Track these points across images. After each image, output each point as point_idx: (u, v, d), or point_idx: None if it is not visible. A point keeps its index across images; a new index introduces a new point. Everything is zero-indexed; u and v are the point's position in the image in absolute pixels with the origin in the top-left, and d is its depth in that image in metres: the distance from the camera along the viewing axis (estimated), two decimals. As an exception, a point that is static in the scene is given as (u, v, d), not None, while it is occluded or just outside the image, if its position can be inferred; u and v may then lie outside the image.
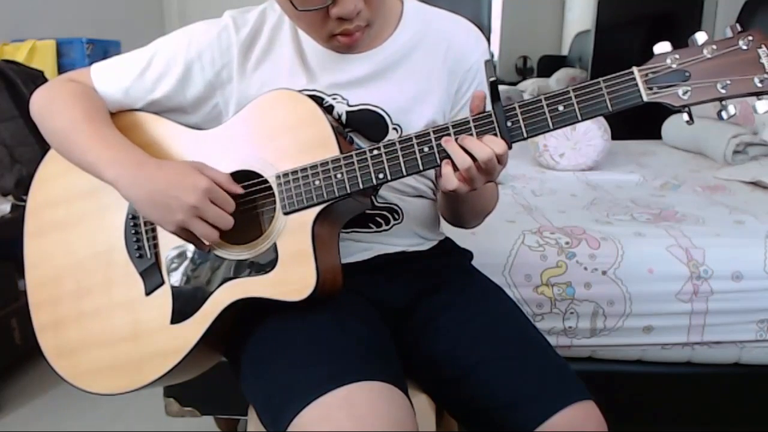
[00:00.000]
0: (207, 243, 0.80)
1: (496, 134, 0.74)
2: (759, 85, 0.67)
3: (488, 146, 0.72)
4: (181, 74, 0.88)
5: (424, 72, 0.90)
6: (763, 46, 0.67)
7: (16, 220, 1.74)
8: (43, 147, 0.93)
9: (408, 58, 0.90)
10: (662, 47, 0.70)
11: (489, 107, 0.75)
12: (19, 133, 1.98)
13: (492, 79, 0.73)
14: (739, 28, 0.69)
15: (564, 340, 1.36)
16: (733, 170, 2.12)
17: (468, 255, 1.05)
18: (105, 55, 2.49)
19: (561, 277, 1.33)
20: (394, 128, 0.89)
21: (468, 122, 0.75)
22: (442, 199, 0.95)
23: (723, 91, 0.68)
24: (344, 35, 0.81)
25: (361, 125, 0.89)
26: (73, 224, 0.93)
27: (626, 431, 1.24)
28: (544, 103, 0.72)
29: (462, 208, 0.94)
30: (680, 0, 3.87)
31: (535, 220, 1.53)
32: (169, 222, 0.79)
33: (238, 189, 0.82)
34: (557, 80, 4.62)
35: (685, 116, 0.71)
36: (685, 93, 0.69)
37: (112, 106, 0.91)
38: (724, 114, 0.70)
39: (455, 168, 0.74)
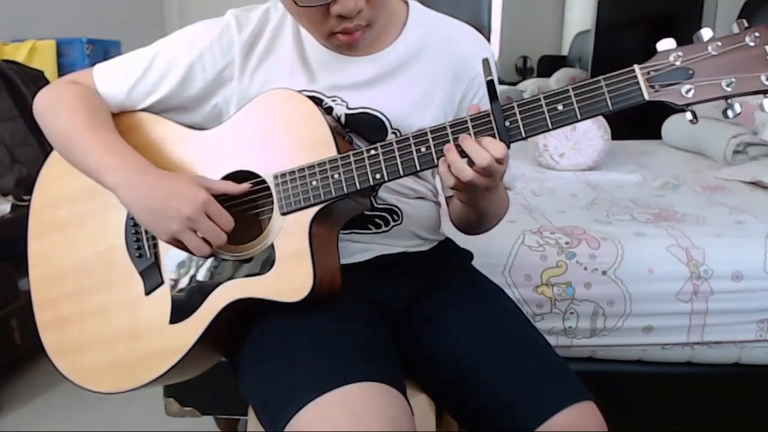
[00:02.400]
0: (198, 255, 0.80)
1: (494, 135, 0.73)
2: (766, 83, 0.65)
3: (487, 151, 0.71)
4: (182, 74, 0.88)
5: (427, 78, 0.90)
6: None
7: (16, 220, 1.75)
8: (44, 147, 0.93)
9: (411, 64, 0.89)
10: (666, 44, 0.68)
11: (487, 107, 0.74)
12: (19, 133, 1.98)
13: (489, 78, 0.73)
14: (745, 24, 0.66)
15: (564, 340, 1.36)
16: (733, 170, 2.12)
17: (468, 255, 1.05)
18: (105, 55, 2.49)
19: (561, 277, 1.33)
20: (393, 133, 0.89)
21: (465, 122, 0.74)
22: (454, 208, 0.95)
23: (728, 89, 0.66)
24: (344, 34, 0.80)
25: (360, 128, 0.88)
26: (75, 224, 0.93)
27: (626, 431, 1.24)
28: (543, 102, 0.71)
29: (476, 216, 0.92)
30: (680, 0, 3.87)
31: (535, 220, 1.53)
32: (163, 231, 0.79)
33: (243, 187, 0.82)
34: (557, 80, 4.62)
35: (689, 115, 0.69)
36: (688, 91, 0.67)
37: (114, 107, 0.92)
38: (730, 113, 0.67)
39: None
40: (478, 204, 0.84)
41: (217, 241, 0.79)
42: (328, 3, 0.76)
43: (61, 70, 2.39)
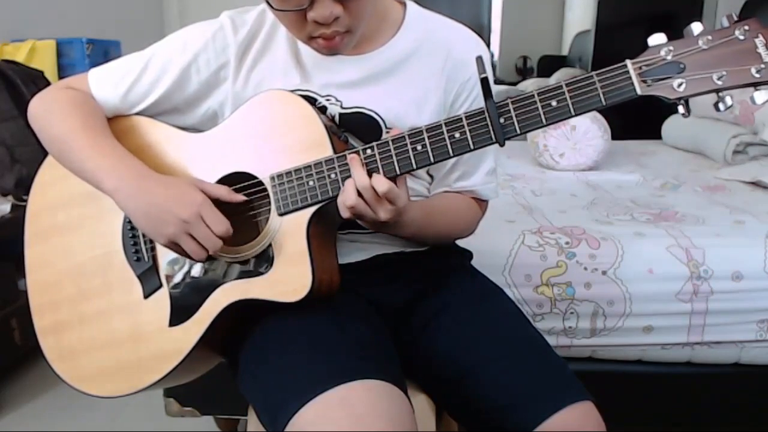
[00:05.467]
0: (196, 259, 0.80)
1: (488, 131, 0.73)
2: (756, 75, 0.65)
3: (369, 178, 0.74)
4: (177, 76, 0.88)
5: (422, 79, 0.89)
6: (760, 35, 0.66)
7: (16, 220, 1.75)
8: (44, 148, 0.93)
9: (406, 64, 0.89)
10: (657, 39, 0.69)
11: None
12: (19, 133, 1.98)
13: (483, 75, 0.73)
14: (735, 17, 0.67)
15: (564, 340, 1.36)
16: (733, 170, 2.12)
17: (468, 255, 1.05)
18: (105, 55, 2.48)
19: (561, 277, 1.32)
20: (388, 132, 0.88)
21: (461, 119, 0.74)
22: None
23: (719, 82, 0.67)
24: (323, 38, 0.80)
25: (354, 128, 0.88)
26: (72, 229, 0.93)
27: (626, 431, 1.24)
28: (537, 98, 0.72)
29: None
30: (680, 0, 3.87)
31: (535, 220, 1.53)
32: (160, 235, 0.79)
33: (240, 197, 0.82)
34: (557, 80, 4.60)
35: (681, 109, 0.69)
36: (680, 85, 0.67)
37: (109, 111, 0.92)
38: (721, 105, 0.68)
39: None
40: (386, 232, 0.85)
41: (212, 247, 0.78)
42: (303, 9, 0.75)
43: (61, 70, 2.39)
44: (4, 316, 1.82)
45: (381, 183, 0.74)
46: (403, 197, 0.77)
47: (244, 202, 0.84)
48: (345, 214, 0.77)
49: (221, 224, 0.78)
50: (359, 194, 0.75)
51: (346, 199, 0.75)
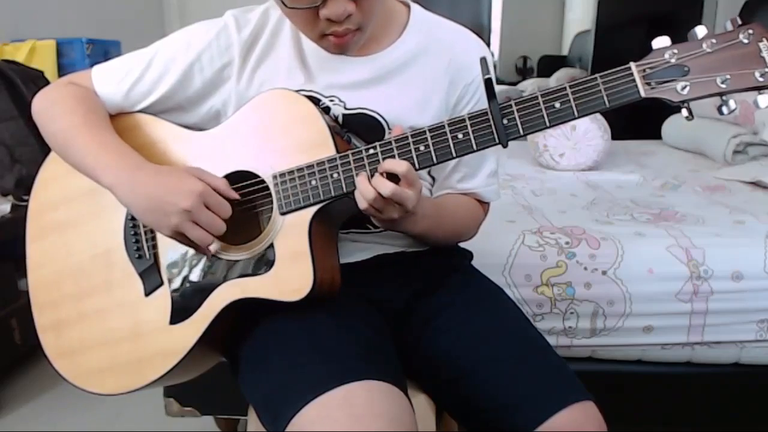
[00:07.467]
0: (203, 247, 0.80)
1: (492, 133, 0.73)
2: (760, 79, 0.66)
3: (389, 179, 0.74)
4: (180, 74, 0.88)
5: (425, 81, 0.90)
6: (764, 39, 0.66)
7: (16, 220, 1.75)
8: (44, 147, 0.93)
9: (410, 66, 0.89)
10: (661, 42, 0.69)
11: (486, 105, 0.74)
12: (19, 133, 1.98)
13: (487, 76, 0.73)
14: (739, 21, 0.67)
15: (564, 340, 1.36)
16: (733, 170, 2.12)
17: (468, 255, 1.05)
18: (105, 55, 2.48)
19: (561, 277, 1.33)
20: (390, 132, 0.89)
21: (464, 120, 0.75)
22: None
23: (723, 85, 0.67)
24: (334, 36, 0.80)
25: (358, 129, 0.88)
26: (73, 226, 0.93)
27: (626, 431, 1.24)
28: (540, 100, 0.72)
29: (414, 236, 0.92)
30: (680, 0, 3.88)
31: (535, 220, 1.53)
32: (164, 226, 0.79)
33: (235, 195, 0.82)
34: (557, 80, 4.63)
35: (685, 112, 0.70)
36: (683, 88, 0.68)
37: (112, 108, 0.92)
38: (724, 109, 0.69)
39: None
40: (399, 229, 0.85)
41: (217, 231, 0.78)
42: (316, 6, 0.76)
43: (61, 70, 2.39)
44: (4, 316, 1.82)
45: (400, 165, 0.75)
46: (412, 197, 0.77)
47: (245, 201, 0.84)
48: (363, 205, 0.77)
49: (224, 208, 0.79)
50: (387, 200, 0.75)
51: (366, 193, 0.75)
